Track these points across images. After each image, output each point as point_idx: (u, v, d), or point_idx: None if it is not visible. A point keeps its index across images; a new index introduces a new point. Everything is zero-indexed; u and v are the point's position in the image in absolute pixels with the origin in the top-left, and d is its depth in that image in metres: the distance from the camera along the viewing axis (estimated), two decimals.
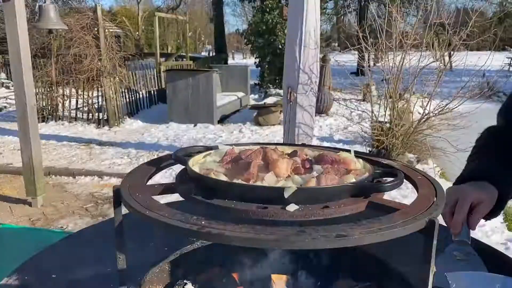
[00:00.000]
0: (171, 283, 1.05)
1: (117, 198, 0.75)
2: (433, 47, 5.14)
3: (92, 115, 8.27)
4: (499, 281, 0.82)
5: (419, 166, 5.50)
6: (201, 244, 1.10)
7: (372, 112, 5.57)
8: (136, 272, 0.93)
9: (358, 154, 0.90)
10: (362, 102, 9.48)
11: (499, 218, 4.00)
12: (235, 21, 66.04)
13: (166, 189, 0.78)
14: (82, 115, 8.44)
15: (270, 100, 10.16)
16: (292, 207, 0.66)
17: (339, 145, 7.02)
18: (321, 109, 9.30)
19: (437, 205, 0.69)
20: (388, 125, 5.38)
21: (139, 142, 6.78)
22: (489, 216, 0.98)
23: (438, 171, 5.35)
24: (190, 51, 15.40)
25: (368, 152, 5.75)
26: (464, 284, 0.81)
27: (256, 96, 11.72)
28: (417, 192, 0.77)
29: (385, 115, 5.49)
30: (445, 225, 0.92)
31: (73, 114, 8.42)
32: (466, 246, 0.91)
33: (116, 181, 4.92)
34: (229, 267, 1.06)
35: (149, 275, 0.98)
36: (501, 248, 3.26)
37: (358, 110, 6.51)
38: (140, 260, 0.98)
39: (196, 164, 0.83)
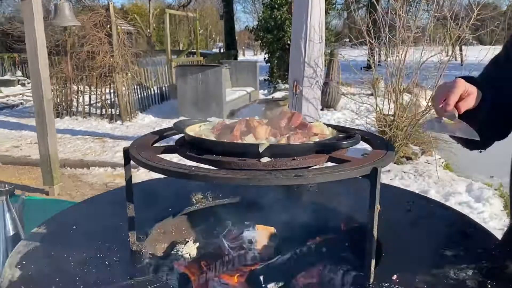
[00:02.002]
0: (174, 241, 1.23)
1: (127, 156, 0.92)
2: (434, 41, 5.24)
3: (105, 111, 8.51)
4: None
5: (423, 158, 5.63)
6: (200, 206, 1.27)
7: (377, 105, 5.70)
8: (143, 226, 1.11)
9: (330, 125, 1.06)
10: (370, 97, 9.58)
11: (500, 205, 4.10)
12: (246, 18, 66.23)
13: (167, 149, 0.96)
14: (96, 110, 8.69)
15: (278, 95, 10.32)
16: (265, 159, 0.83)
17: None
18: (329, 104, 9.42)
19: (383, 160, 0.85)
20: (392, 117, 5.50)
21: None
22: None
23: (442, 163, 5.46)
24: (201, 48, 15.60)
25: None
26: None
27: (265, 91, 11.88)
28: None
29: (389, 108, 5.61)
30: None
31: (86, 109, 8.68)
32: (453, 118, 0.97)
33: None
34: (224, 226, 1.23)
35: (154, 230, 1.15)
36: (498, 234, 3.37)
37: (364, 103, 6.64)
38: (147, 218, 1.16)
39: (192, 131, 1.00)
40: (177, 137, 1.08)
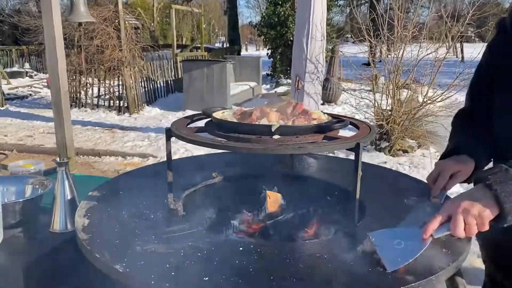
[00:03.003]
0: (193, 212, 1.50)
1: (168, 134, 1.19)
2: (432, 38, 5.49)
3: (113, 103, 8.78)
4: (401, 233, 0.99)
5: (419, 151, 5.89)
6: (219, 180, 1.55)
7: (375, 100, 5.96)
8: (176, 192, 1.38)
9: (327, 113, 1.33)
10: (370, 92, 9.82)
11: None
12: (249, 13, 66.33)
13: (199, 130, 1.22)
14: (104, 102, 8.97)
15: (280, 90, 10.58)
16: (276, 137, 1.10)
17: (346, 131, 7.43)
18: (330, 99, 9.68)
19: (365, 137, 1.12)
20: (389, 112, 5.77)
21: (158, 127, 7.27)
22: (467, 181, 1.22)
23: (437, 156, 5.72)
24: (205, 42, 15.82)
25: None
26: (380, 238, 0.97)
27: (268, 86, 12.14)
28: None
29: (387, 103, 5.88)
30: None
31: (95, 101, 8.95)
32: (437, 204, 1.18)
33: (138, 160, 5.42)
34: (239, 196, 1.50)
35: (183, 197, 1.42)
36: None
37: (363, 99, 6.89)
38: (177, 188, 1.43)
39: (217, 116, 1.27)
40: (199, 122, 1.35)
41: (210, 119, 1.28)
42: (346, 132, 1.27)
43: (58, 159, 1.39)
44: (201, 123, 1.29)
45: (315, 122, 1.18)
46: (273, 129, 1.10)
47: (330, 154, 3.28)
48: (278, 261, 0.97)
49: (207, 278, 0.87)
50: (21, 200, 1.41)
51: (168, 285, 0.84)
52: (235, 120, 1.21)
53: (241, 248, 1.02)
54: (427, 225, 0.95)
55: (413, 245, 0.94)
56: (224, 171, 1.57)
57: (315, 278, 0.89)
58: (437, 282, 0.91)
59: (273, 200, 1.35)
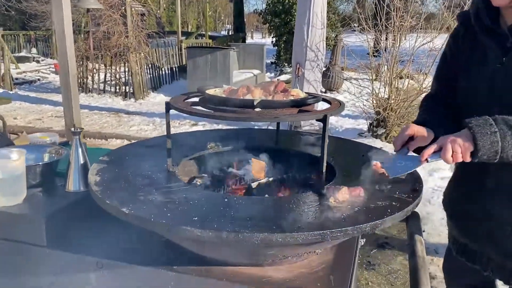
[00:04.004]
0: (193, 176, 1.72)
1: (167, 106, 1.40)
2: (430, 28, 5.63)
3: (119, 88, 9.00)
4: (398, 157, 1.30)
5: None
6: (213, 151, 1.76)
7: (373, 89, 6.13)
8: (174, 160, 1.59)
9: (306, 92, 1.53)
10: (374, 82, 9.96)
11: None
12: (255, 1, 65.93)
13: (194, 104, 1.43)
14: (110, 88, 9.19)
15: (283, 78, 10.73)
16: (257, 109, 1.31)
17: (345, 119, 7.63)
18: (331, 87, 9.84)
19: (332, 110, 1.33)
20: (387, 100, 5.95)
21: (163, 112, 7.47)
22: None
23: None
24: (210, 30, 15.96)
25: (368, 124, 6.36)
26: (387, 161, 1.31)
27: (272, 74, 12.29)
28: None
29: (385, 91, 6.05)
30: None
31: (101, 87, 9.17)
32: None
33: None
34: (231, 160, 1.72)
35: (181, 163, 1.64)
36: None
37: (364, 88, 7.05)
38: (176, 157, 1.64)
39: (210, 92, 1.47)
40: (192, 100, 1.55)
41: (203, 95, 1.49)
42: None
43: (73, 129, 1.61)
44: (196, 100, 1.50)
45: (292, 98, 1.39)
46: (255, 103, 1.31)
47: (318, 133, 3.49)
48: (256, 210, 1.18)
49: (196, 218, 1.09)
50: (40, 163, 1.63)
51: (164, 221, 1.06)
52: (224, 96, 1.41)
53: (226, 200, 1.24)
54: (424, 151, 1.18)
55: (411, 164, 1.23)
56: (217, 144, 1.78)
57: (284, 220, 1.11)
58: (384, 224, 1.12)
59: (258, 166, 1.56)
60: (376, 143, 5.83)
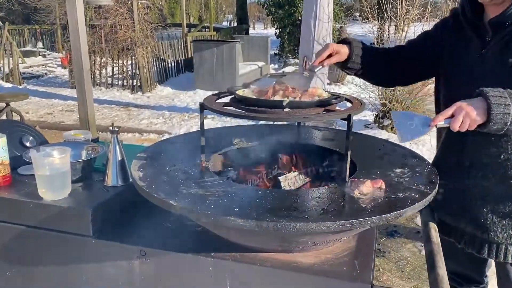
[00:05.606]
0: (221, 170, 1.84)
1: (202, 107, 1.52)
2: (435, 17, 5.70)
3: (127, 82, 9.11)
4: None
5: None
6: (240, 146, 1.88)
7: None
8: (207, 155, 1.72)
9: (329, 92, 1.65)
10: None
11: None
12: None
13: (226, 104, 1.55)
14: (118, 81, 9.30)
15: (288, 69, 10.82)
16: (287, 109, 1.43)
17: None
18: (337, 79, 9.93)
19: (356, 110, 1.44)
20: (392, 91, 6.05)
21: (171, 105, 7.61)
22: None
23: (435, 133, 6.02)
24: (213, 21, 15.97)
25: (374, 115, 6.47)
26: (399, 116, 1.37)
27: (276, 66, 12.37)
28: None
29: None
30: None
31: (109, 80, 9.29)
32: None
33: (155, 137, 5.77)
34: (258, 158, 1.84)
35: (212, 158, 1.76)
36: None
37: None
38: (208, 152, 1.76)
39: (239, 93, 1.59)
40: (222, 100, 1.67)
41: (233, 96, 1.60)
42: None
43: (111, 128, 1.73)
44: (226, 100, 1.61)
45: (317, 98, 1.51)
46: (284, 104, 1.43)
47: (337, 128, 3.61)
48: (288, 201, 1.31)
49: (237, 209, 1.21)
50: (81, 160, 1.76)
51: (210, 213, 1.19)
52: (254, 97, 1.53)
53: (260, 192, 1.36)
54: (437, 116, 1.28)
55: (421, 128, 1.30)
56: (242, 140, 1.90)
57: (315, 210, 1.23)
58: (405, 214, 1.24)
59: (285, 161, 1.68)
60: (382, 134, 5.95)
